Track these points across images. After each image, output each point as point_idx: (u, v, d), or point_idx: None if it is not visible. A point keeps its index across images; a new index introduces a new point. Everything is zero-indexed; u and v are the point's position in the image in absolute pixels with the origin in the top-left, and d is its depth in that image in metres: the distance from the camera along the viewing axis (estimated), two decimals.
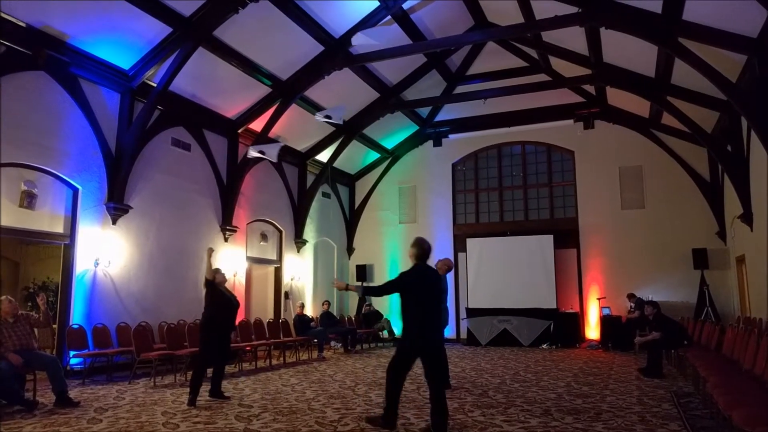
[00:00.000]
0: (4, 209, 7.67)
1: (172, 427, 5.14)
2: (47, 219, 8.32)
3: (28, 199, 7.97)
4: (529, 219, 14.99)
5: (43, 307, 6.37)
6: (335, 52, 11.02)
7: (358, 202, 16.81)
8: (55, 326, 8.29)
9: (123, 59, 9.09)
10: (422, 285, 4.88)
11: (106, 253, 8.98)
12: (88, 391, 7.15)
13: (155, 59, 9.18)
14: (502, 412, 5.68)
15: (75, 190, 8.68)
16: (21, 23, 7.62)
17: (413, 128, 15.85)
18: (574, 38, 10.84)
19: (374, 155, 16.29)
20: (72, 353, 8.15)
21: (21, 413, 5.71)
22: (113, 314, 8.96)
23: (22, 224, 7.90)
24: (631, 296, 12.62)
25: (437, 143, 16.17)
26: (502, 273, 13.96)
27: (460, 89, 14.45)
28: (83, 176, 8.74)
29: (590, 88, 13.52)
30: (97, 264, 8.84)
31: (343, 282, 5.05)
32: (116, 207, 9.12)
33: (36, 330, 6.64)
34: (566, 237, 14.31)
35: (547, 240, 13.94)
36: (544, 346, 12.99)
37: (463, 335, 14.60)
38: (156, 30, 8.79)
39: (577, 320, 13.68)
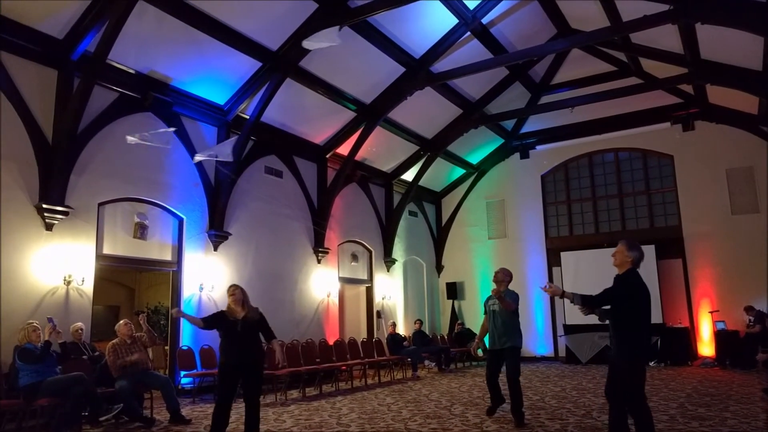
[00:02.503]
0: (121, 241, 8.36)
1: None
2: (157, 248, 8.96)
3: (141, 231, 8.64)
4: (627, 229, 14.23)
5: (144, 326, 6.87)
6: (416, 72, 11.15)
7: (445, 219, 16.74)
8: (167, 347, 8.86)
9: (218, 95, 9.71)
10: (647, 291, 4.25)
11: (209, 277, 9.51)
12: (198, 408, 7.56)
13: (247, 93, 9.72)
14: None
15: (180, 220, 9.31)
16: (131, 70, 8.37)
17: (498, 142, 15.64)
18: (666, 36, 10.28)
19: (459, 171, 16.20)
20: (182, 373, 8.66)
21: (141, 429, 6.13)
22: (218, 336, 9.42)
23: (136, 254, 8.57)
24: (749, 309, 11.57)
25: (524, 155, 15.83)
26: (600, 287, 13.23)
27: (546, 99, 14.11)
28: (187, 206, 9.36)
29: (688, 88, 12.71)
30: (202, 288, 9.39)
31: (559, 287, 4.43)
32: (217, 234, 9.67)
33: (150, 351, 7.15)
34: (669, 246, 13.43)
35: (648, 250, 13.10)
36: (652, 363, 12.18)
37: (562, 353, 14.04)
38: (247, 66, 9.33)
39: (687, 336, 12.74)
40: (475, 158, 15.93)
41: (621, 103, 13.16)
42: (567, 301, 4.37)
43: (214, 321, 5.19)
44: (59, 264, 7.38)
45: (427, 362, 12.96)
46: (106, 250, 8.12)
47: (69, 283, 7.45)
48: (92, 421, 6.36)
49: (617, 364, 4.20)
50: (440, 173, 15.70)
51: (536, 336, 14.71)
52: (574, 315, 13.53)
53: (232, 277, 9.95)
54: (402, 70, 11.16)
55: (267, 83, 9.48)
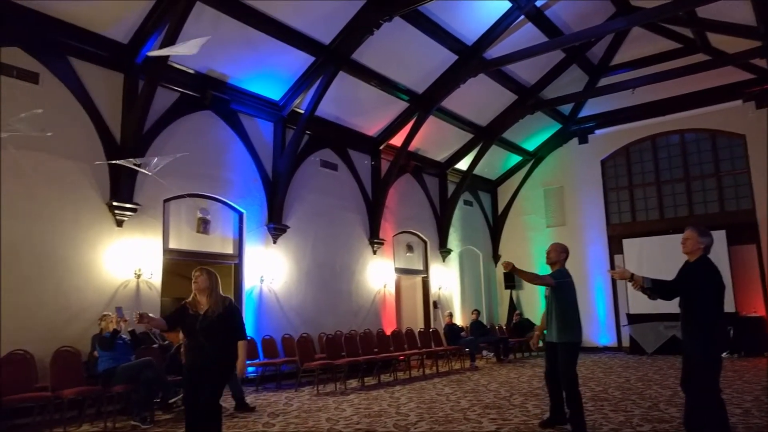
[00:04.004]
0: (186, 235, 8.71)
1: None
2: (219, 242, 9.28)
3: (204, 225, 8.97)
4: (694, 214, 13.59)
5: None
6: (469, 59, 11.00)
7: (501, 208, 16.50)
8: None
9: (274, 91, 9.90)
10: (721, 280, 4.04)
11: (269, 270, 9.77)
12: (261, 397, 7.82)
13: (301, 88, 9.88)
14: (676, 427, 5.18)
15: (240, 214, 9.59)
16: (191, 71, 8.67)
17: (555, 127, 15.24)
18: (736, 8, 9.72)
19: (515, 158, 15.91)
20: (246, 362, 8.95)
21: None
22: (278, 326, 9.71)
23: (199, 248, 8.90)
24: None
25: (583, 140, 15.35)
26: (665, 275, 12.72)
27: (605, 81, 13.62)
28: (246, 201, 9.63)
29: (761, 62, 11.96)
30: (262, 280, 9.66)
31: (627, 271, 4.17)
32: (276, 227, 9.92)
33: None
34: (742, 231, 12.72)
35: (718, 236, 12.46)
36: (725, 354, 11.63)
37: (625, 343, 13.62)
38: (301, 61, 9.47)
39: (762, 325, 12.08)
40: (531, 145, 15.59)
41: (686, 81, 12.53)
42: (630, 289, 4.19)
43: (175, 319, 4.24)
44: (130, 258, 7.78)
45: (485, 352, 12.87)
46: (172, 244, 8.48)
47: (139, 276, 7.84)
48: (164, 406, 6.69)
49: (690, 355, 4.03)
50: (496, 161, 15.47)
51: (598, 326, 14.32)
52: (638, 303, 13.09)
53: (291, 269, 10.19)
54: (454, 57, 11.04)
55: (320, 77, 9.61)
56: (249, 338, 9.05)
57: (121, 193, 7.72)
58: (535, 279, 5.20)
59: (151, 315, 4.12)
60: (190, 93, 8.78)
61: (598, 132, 15.11)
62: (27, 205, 6.83)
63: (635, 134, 14.58)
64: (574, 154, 15.45)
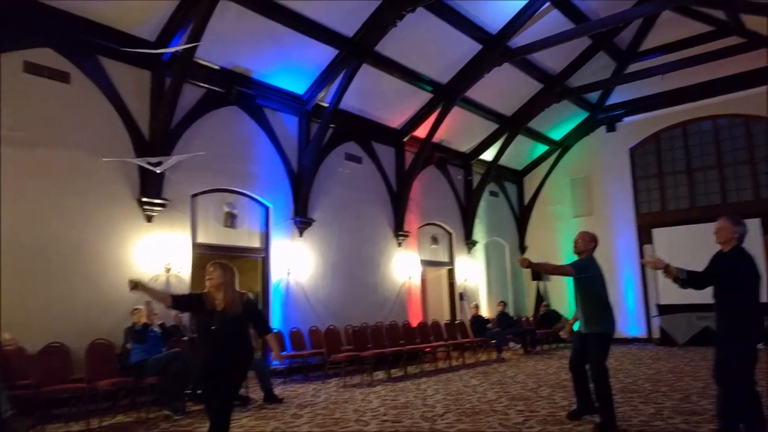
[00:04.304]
0: (213, 230, 8.84)
1: (363, 424, 5.47)
2: (246, 235, 9.39)
3: (231, 220, 9.08)
4: (727, 202, 13.24)
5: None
6: (493, 48, 10.88)
7: (527, 198, 16.33)
8: None
9: (298, 85, 9.95)
10: (757, 270, 3.93)
11: (295, 263, 9.86)
12: (289, 389, 7.92)
13: (325, 81, 9.90)
14: (709, 420, 5.08)
15: (266, 208, 9.69)
16: (216, 66, 8.76)
17: (582, 115, 14.98)
18: None
19: (542, 148, 15.71)
20: (282, 354, 9.06)
21: (238, 407, 6.51)
22: (305, 318, 9.81)
23: (227, 242, 9.02)
24: None
25: (611, 128, 15.06)
26: (696, 265, 12.43)
27: (633, 67, 13.32)
28: (272, 195, 9.72)
29: None
30: (289, 273, 9.76)
31: (662, 260, 3.98)
32: (301, 221, 10.00)
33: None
34: None
35: (752, 225, 12.16)
36: (760, 345, 11.33)
37: (655, 334, 13.40)
38: (324, 54, 9.49)
39: None
40: (557, 134, 15.37)
41: (719, 66, 12.17)
42: (661, 279, 4.10)
43: (187, 304, 4.12)
44: (159, 253, 7.93)
45: (512, 344, 12.81)
46: (200, 238, 8.61)
47: (169, 270, 7.99)
48: (195, 397, 6.83)
49: (724, 347, 3.94)
50: (521, 151, 15.29)
51: (627, 316, 14.10)
52: (669, 294, 12.85)
53: (317, 262, 10.27)
54: (478, 47, 10.92)
55: (344, 70, 9.62)
56: (276, 330, 9.17)
57: (150, 189, 7.87)
58: (554, 270, 5.14)
59: (147, 284, 3.80)
60: (216, 89, 8.88)
61: (626, 120, 14.82)
62: (61, 202, 7.02)
63: (665, 121, 14.25)
64: (602, 143, 15.19)
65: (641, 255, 13.83)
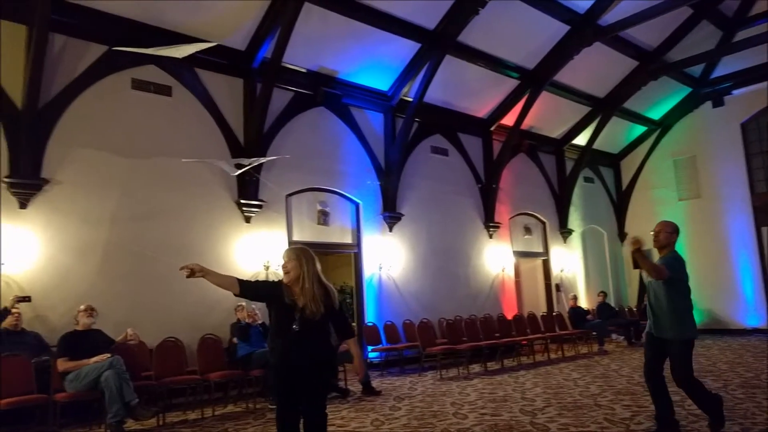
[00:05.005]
0: (307, 228, 9.14)
1: (461, 417, 5.45)
2: (338, 232, 9.63)
3: (323, 217, 9.36)
4: None
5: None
6: (582, 28, 10.40)
7: (625, 182, 15.48)
8: (354, 324, 9.54)
9: (382, 82, 10.04)
10: None
11: (387, 257, 9.99)
12: (386, 381, 8.04)
13: (409, 75, 9.92)
14: None
15: (356, 205, 9.88)
16: (303, 70, 9.04)
17: (684, 91, 13.97)
18: None
19: (640, 129, 14.82)
20: (369, 348, 9.26)
21: (338, 399, 6.70)
22: (398, 312, 9.91)
23: (320, 239, 9.29)
24: None
25: (718, 103, 13.92)
26: None
27: (742, 35, 12.21)
28: (362, 192, 9.89)
29: None
30: (381, 268, 9.89)
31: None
32: (391, 216, 10.10)
33: None
34: None
35: None
36: None
37: None
38: (407, 48, 9.51)
39: None
40: (657, 113, 14.43)
41: None
42: None
43: (259, 293, 3.44)
44: (258, 252, 8.32)
45: (614, 336, 12.23)
46: (296, 236, 8.93)
47: (267, 268, 8.36)
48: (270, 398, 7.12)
49: None
50: (617, 133, 14.51)
51: (745, 306, 13.02)
52: None
53: (408, 256, 10.33)
54: (566, 28, 10.49)
55: (427, 63, 9.59)
56: (372, 324, 9.34)
57: (248, 191, 8.27)
58: (652, 268, 4.28)
59: (207, 270, 3.16)
60: (304, 91, 9.16)
61: (735, 92, 13.62)
62: (169, 208, 7.56)
63: None
64: (708, 119, 14.07)
65: (758, 238, 12.72)
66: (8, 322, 5.82)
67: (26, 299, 6.03)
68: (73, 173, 6.86)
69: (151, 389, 6.11)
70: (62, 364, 5.46)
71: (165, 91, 7.76)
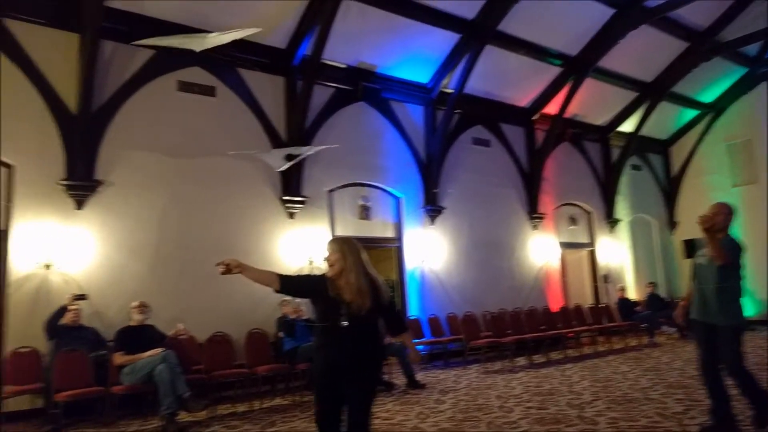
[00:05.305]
0: (350, 222, 9.21)
1: (507, 410, 5.42)
2: (380, 226, 9.67)
3: (365, 212, 9.42)
4: None
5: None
6: (627, 10, 10.06)
7: (675, 169, 14.94)
8: None
9: (421, 74, 9.99)
10: None
11: (429, 251, 9.97)
12: (430, 375, 8.06)
13: (448, 67, 9.84)
14: None
15: (398, 199, 9.90)
16: (342, 65, 9.09)
17: (738, 72, 13.35)
18: None
19: (690, 113, 14.26)
20: (413, 341, 9.28)
21: (382, 392, 6.76)
22: (441, 305, 9.89)
23: (362, 233, 9.32)
24: None
25: None
26: None
27: None
28: (403, 185, 9.90)
29: None
30: (423, 261, 9.89)
31: None
32: (432, 209, 10.07)
33: None
34: None
35: None
36: None
37: None
38: (446, 40, 9.43)
39: None
40: (709, 96, 13.85)
41: None
42: None
43: (302, 289, 3.33)
44: (302, 247, 8.45)
45: (665, 328, 11.87)
46: (338, 231, 9.02)
47: (312, 263, 8.48)
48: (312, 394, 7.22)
49: None
50: (666, 119, 14.01)
51: None
52: None
53: (450, 249, 10.29)
54: (611, 12, 10.17)
55: (467, 54, 9.49)
56: (414, 318, 9.35)
57: (291, 187, 8.40)
58: (719, 255, 3.98)
59: (245, 266, 3.07)
60: (344, 87, 9.22)
61: None
62: (215, 206, 7.76)
63: None
64: (765, 101, 13.40)
65: None
66: (68, 318, 6.11)
67: (83, 297, 6.30)
68: (125, 174, 7.13)
69: (201, 382, 6.31)
70: (118, 358, 5.72)
71: (209, 91, 7.96)
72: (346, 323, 2.95)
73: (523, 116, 11.80)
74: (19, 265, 6.37)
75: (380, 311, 3.08)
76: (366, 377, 3.02)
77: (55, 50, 6.80)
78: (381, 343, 3.15)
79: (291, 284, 3.19)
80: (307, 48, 8.27)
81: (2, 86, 6.41)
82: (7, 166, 6.49)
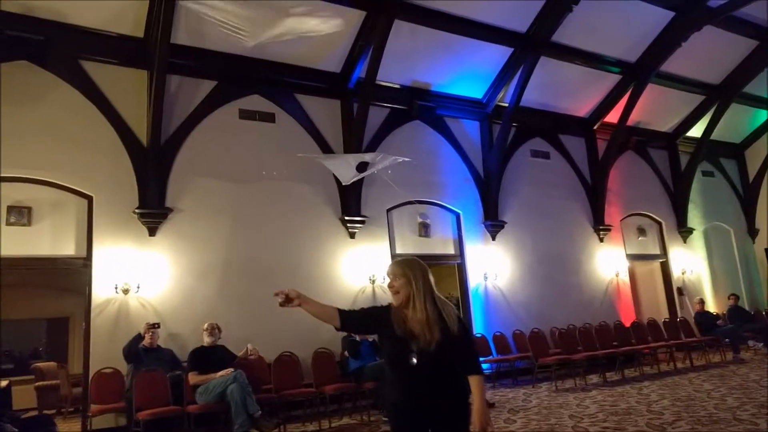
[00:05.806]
0: (410, 240, 9.20)
1: (581, 430, 5.19)
2: (440, 243, 9.60)
3: (425, 229, 9.39)
4: None
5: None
6: (689, 12, 9.69)
7: (752, 173, 14.11)
8: None
9: (476, 90, 9.96)
10: None
11: (491, 267, 9.80)
12: (498, 393, 7.85)
13: (503, 81, 9.77)
14: None
15: (457, 215, 9.82)
16: (396, 85, 9.20)
17: None
18: None
19: (764, 114, 13.49)
20: (480, 359, 9.08)
21: None
22: (507, 322, 9.66)
23: (423, 250, 9.27)
24: None
25: None
26: None
27: None
28: (461, 201, 9.82)
29: None
30: (486, 277, 9.72)
31: None
32: (493, 224, 9.92)
33: None
34: None
35: None
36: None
37: None
38: (499, 54, 9.39)
39: None
40: None
41: None
42: None
43: (368, 324, 2.86)
44: (363, 266, 8.50)
45: (751, 342, 11.11)
46: (398, 249, 9.02)
47: (373, 282, 8.51)
48: None
49: None
50: (738, 121, 13.31)
51: None
52: None
53: (513, 264, 10.08)
54: (670, 14, 9.84)
55: (521, 67, 9.40)
56: (480, 335, 9.16)
57: (351, 207, 8.50)
58: None
59: (305, 297, 2.80)
60: (399, 107, 9.31)
61: None
62: (278, 228, 7.95)
63: None
64: None
65: None
66: (146, 340, 6.37)
67: (156, 326, 6.50)
68: (192, 201, 7.44)
69: (271, 402, 6.40)
70: (193, 378, 5.90)
71: (269, 118, 8.23)
72: (414, 361, 2.48)
73: (583, 126, 11.52)
74: (99, 291, 6.72)
75: (450, 344, 2.51)
76: (450, 425, 2.51)
77: (126, 87, 7.25)
78: (462, 382, 2.55)
79: (351, 321, 2.80)
80: (361, 70, 8.42)
81: (81, 123, 6.89)
82: (87, 197, 6.91)
